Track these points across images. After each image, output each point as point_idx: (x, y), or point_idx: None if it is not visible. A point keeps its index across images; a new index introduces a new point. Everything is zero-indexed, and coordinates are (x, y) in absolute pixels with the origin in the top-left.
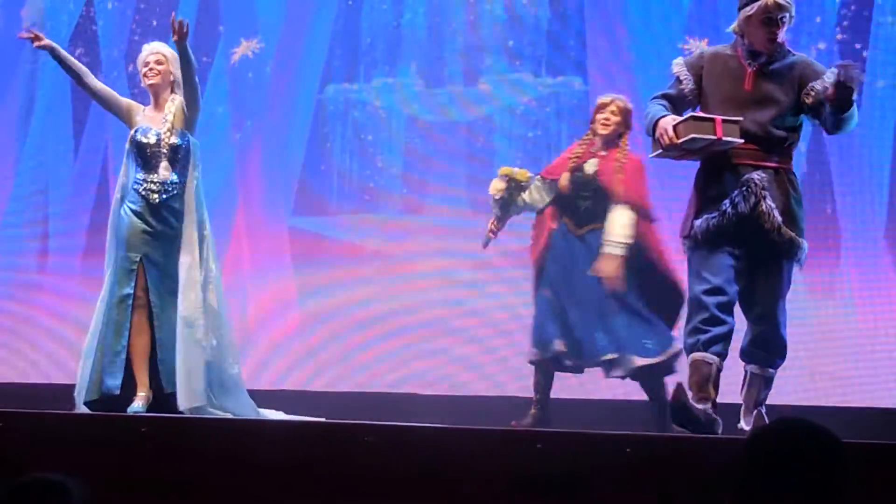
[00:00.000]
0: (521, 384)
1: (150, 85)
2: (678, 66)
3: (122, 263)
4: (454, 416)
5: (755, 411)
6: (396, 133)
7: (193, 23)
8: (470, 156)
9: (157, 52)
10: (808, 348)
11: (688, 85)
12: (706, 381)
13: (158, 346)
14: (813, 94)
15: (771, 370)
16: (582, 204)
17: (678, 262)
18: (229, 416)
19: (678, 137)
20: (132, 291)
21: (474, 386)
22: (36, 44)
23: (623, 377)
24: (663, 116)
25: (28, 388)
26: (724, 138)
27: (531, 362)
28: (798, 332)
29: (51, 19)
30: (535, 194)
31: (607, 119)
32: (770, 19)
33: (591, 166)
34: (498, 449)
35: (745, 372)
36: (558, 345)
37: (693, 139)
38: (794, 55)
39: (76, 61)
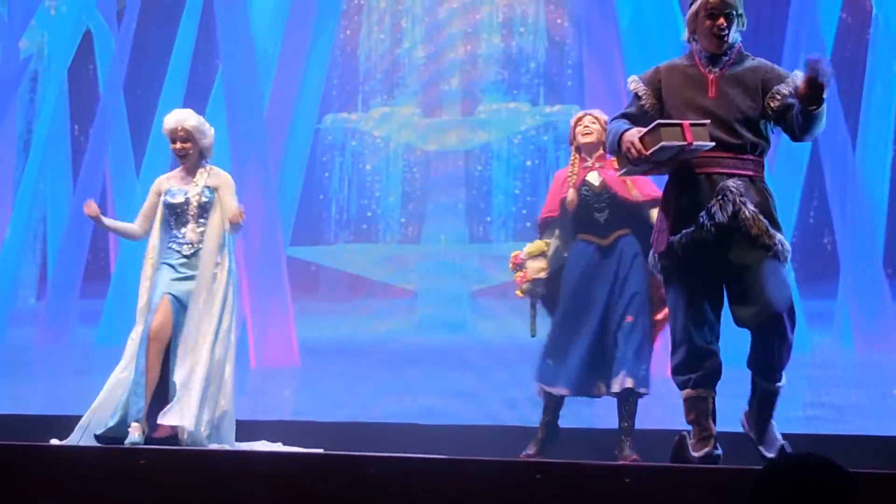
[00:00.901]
0: (516, 413)
1: (183, 163)
2: (634, 82)
3: (150, 302)
4: (453, 446)
5: (768, 425)
6: (395, 162)
7: (191, 53)
8: (468, 184)
9: (181, 130)
10: (807, 377)
11: (647, 100)
12: (704, 416)
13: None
14: (779, 97)
15: (779, 384)
16: (600, 217)
17: None
18: (226, 447)
19: (647, 149)
20: (148, 326)
21: (473, 415)
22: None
23: (612, 394)
24: (627, 129)
25: (27, 419)
26: (695, 143)
27: (539, 391)
28: (796, 361)
29: (50, 49)
30: (554, 243)
31: (587, 127)
32: (713, 14)
33: (594, 178)
34: (499, 479)
35: (752, 383)
36: (562, 390)
37: (663, 147)
38: (753, 59)
39: (121, 227)
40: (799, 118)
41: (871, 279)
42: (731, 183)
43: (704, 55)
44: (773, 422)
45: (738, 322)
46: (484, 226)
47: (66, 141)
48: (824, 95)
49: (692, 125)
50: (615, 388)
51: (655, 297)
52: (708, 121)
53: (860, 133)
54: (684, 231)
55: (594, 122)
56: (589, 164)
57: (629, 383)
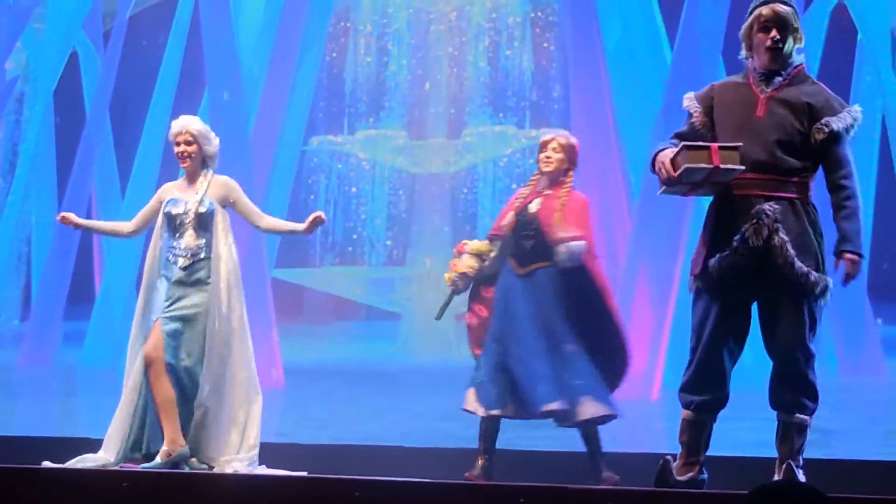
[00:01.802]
0: (500, 436)
1: (185, 167)
2: (688, 99)
3: (144, 326)
4: (438, 469)
5: (784, 465)
6: (380, 185)
7: (177, 75)
8: (454, 207)
9: (185, 133)
10: None
11: (699, 118)
12: (697, 441)
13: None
14: (826, 130)
15: (800, 415)
16: (526, 244)
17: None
18: (215, 471)
19: (675, 170)
20: (148, 353)
21: (458, 438)
22: (72, 224)
23: (569, 426)
24: (660, 151)
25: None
26: (723, 166)
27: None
28: None
29: (36, 71)
30: (495, 254)
31: (549, 157)
32: (766, 26)
33: (534, 206)
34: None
35: (777, 420)
36: (497, 410)
37: (689, 170)
38: (813, 84)
39: (106, 225)
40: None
41: (855, 305)
42: (767, 207)
43: (759, 73)
44: (796, 463)
45: (766, 349)
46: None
47: (52, 162)
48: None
49: (721, 148)
50: (582, 416)
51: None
52: (740, 143)
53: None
54: (719, 254)
55: (557, 152)
56: (541, 188)
57: (599, 410)
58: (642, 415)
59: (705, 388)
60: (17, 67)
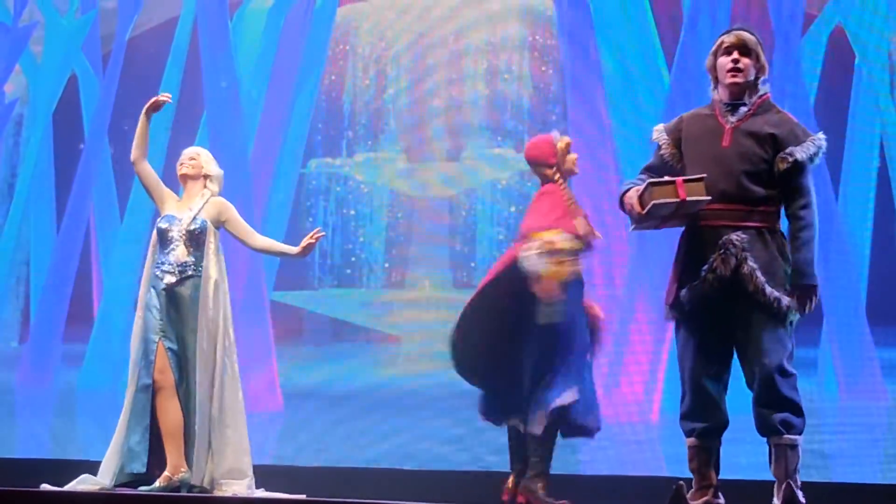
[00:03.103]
0: (501, 458)
1: (182, 175)
2: (657, 132)
3: (144, 346)
4: (438, 491)
5: (784, 485)
6: (379, 208)
7: (176, 99)
8: (452, 230)
9: (193, 150)
10: None
11: (667, 149)
12: (706, 466)
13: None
14: (790, 160)
15: (789, 436)
16: None
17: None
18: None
19: (643, 207)
20: (151, 377)
21: (459, 460)
22: (161, 103)
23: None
24: (626, 191)
25: (9, 463)
26: (689, 198)
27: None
28: None
29: (34, 93)
30: None
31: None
32: (728, 50)
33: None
34: None
35: (768, 444)
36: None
37: (656, 205)
38: (778, 113)
39: (143, 132)
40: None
41: (855, 326)
42: (734, 237)
43: (724, 104)
44: (794, 483)
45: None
46: (468, 271)
47: (50, 185)
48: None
49: (685, 181)
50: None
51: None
52: (704, 175)
53: (842, 181)
54: (689, 285)
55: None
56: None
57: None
58: (645, 438)
59: (701, 415)
60: (17, 90)
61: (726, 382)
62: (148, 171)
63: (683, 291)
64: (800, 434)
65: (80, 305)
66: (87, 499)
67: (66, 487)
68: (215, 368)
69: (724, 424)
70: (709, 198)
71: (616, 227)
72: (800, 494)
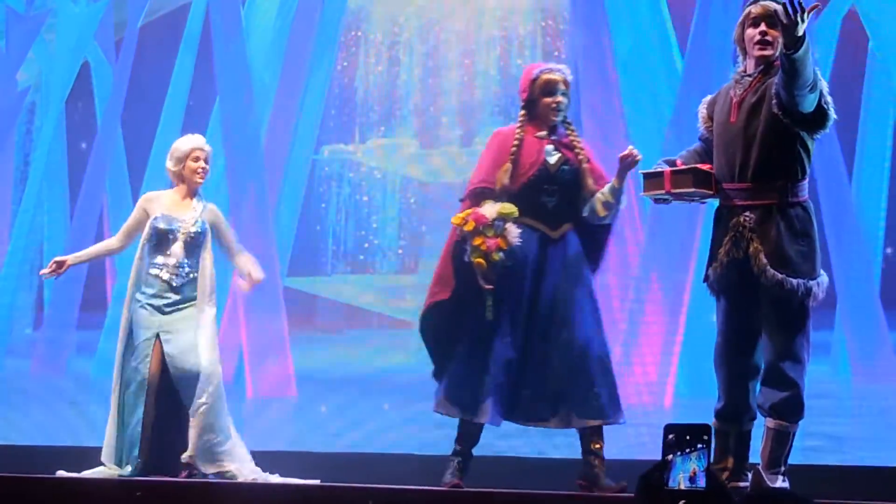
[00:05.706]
0: (507, 443)
1: (192, 179)
2: (701, 105)
3: (137, 343)
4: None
5: (753, 472)
6: (392, 193)
7: (189, 84)
8: None
9: (206, 150)
10: (805, 407)
11: (703, 124)
12: (720, 450)
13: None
14: (774, 90)
15: (784, 423)
16: (549, 201)
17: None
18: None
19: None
20: (146, 374)
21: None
22: (61, 271)
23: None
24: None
25: (25, 449)
26: (674, 190)
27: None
28: None
29: (47, 81)
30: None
31: (560, 102)
32: (756, 21)
33: (552, 156)
34: None
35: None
36: (486, 418)
37: (654, 197)
38: (776, 74)
39: (95, 250)
40: (781, 72)
41: (868, 310)
42: (743, 218)
43: (744, 76)
44: (775, 470)
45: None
46: None
47: (64, 172)
48: (798, 33)
49: (674, 172)
50: (587, 422)
51: None
52: (692, 166)
53: (856, 164)
54: (712, 265)
55: (566, 94)
56: (542, 134)
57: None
58: (657, 421)
59: (721, 396)
60: (29, 78)
61: (755, 366)
62: (130, 235)
63: (710, 270)
64: (791, 423)
65: (93, 293)
66: (102, 485)
67: (83, 474)
68: (203, 361)
69: (744, 406)
70: (692, 189)
71: (629, 212)
72: (780, 480)
